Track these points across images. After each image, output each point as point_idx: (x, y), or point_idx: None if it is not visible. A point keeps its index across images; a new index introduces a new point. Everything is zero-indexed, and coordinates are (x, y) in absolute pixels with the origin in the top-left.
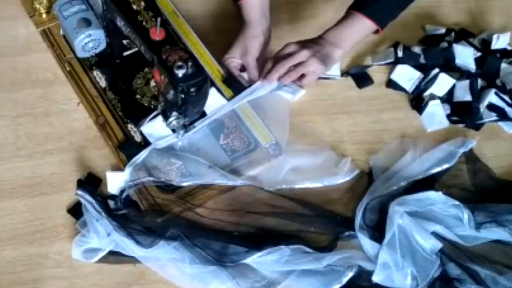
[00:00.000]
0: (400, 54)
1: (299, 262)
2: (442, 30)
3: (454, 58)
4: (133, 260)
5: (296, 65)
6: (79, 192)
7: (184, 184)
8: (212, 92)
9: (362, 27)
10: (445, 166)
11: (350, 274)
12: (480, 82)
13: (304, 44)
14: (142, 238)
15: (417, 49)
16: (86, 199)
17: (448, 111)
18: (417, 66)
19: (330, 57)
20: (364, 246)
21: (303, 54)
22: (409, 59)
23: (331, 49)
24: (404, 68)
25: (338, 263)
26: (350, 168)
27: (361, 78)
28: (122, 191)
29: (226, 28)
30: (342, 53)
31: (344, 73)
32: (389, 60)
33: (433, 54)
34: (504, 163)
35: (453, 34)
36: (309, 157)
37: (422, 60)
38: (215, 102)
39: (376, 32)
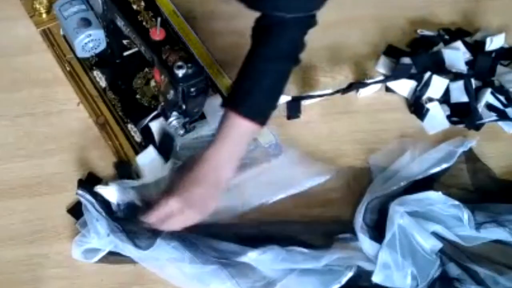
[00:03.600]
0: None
1: (297, 260)
2: (433, 34)
3: (443, 63)
4: (133, 260)
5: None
6: (80, 191)
7: None
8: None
9: (243, 132)
10: (444, 165)
11: (349, 274)
12: (475, 82)
13: (174, 194)
14: (140, 239)
15: (406, 60)
16: (87, 199)
17: (448, 112)
18: (410, 75)
19: (214, 191)
20: (364, 246)
21: (172, 206)
22: (401, 74)
23: (216, 178)
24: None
25: (337, 262)
26: (323, 168)
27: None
28: (118, 205)
29: (226, 28)
30: (230, 174)
31: (335, 92)
32: (381, 78)
33: (423, 60)
34: (504, 163)
35: (445, 37)
36: (274, 169)
37: (413, 70)
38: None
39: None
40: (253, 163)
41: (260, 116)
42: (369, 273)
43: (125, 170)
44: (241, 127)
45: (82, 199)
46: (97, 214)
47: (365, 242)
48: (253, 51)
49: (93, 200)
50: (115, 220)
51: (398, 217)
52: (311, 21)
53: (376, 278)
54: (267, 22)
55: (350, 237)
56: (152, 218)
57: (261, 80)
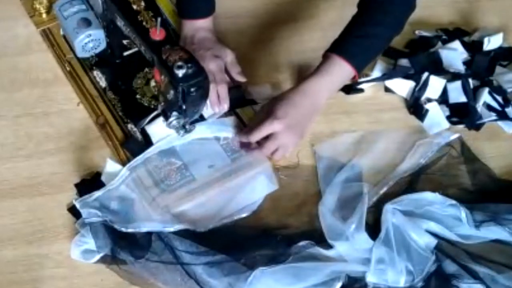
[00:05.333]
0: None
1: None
2: (431, 34)
3: (441, 63)
4: (131, 262)
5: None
6: (77, 200)
7: (128, 230)
8: None
9: (343, 73)
10: (422, 161)
11: (338, 285)
12: (473, 81)
13: (276, 116)
14: (134, 248)
15: (404, 62)
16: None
17: (447, 113)
18: (408, 75)
19: (310, 115)
20: (356, 245)
21: (275, 127)
22: (397, 74)
23: (311, 105)
24: (396, 80)
25: (324, 278)
26: (270, 181)
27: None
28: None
29: (226, 28)
30: (324, 101)
31: None
32: (378, 76)
33: (420, 60)
34: (504, 163)
35: (442, 37)
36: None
37: (412, 71)
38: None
39: (353, 78)
40: (253, 163)
41: (358, 64)
42: (358, 279)
43: (134, 144)
44: (341, 68)
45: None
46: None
47: (359, 241)
48: (366, 16)
49: (91, 211)
50: (110, 229)
51: (391, 215)
52: None
53: (371, 278)
54: None
55: (304, 245)
56: (254, 138)
57: (369, 39)
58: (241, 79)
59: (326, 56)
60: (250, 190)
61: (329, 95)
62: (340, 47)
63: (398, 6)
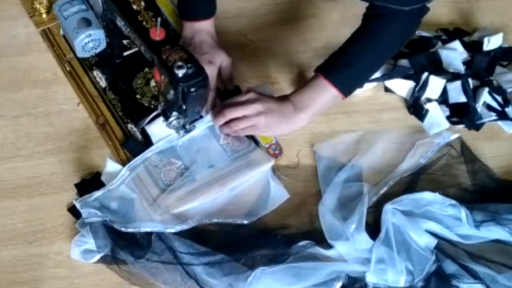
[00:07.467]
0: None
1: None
2: (431, 34)
3: (441, 63)
4: (131, 262)
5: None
6: (77, 200)
7: (128, 230)
8: None
9: (328, 94)
10: (422, 161)
11: (339, 285)
12: (473, 81)
13: (261, 98)
14: (132, 252)
15: (404, 62)
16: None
17: (447, 113)
18: (408, 76)
19: (289, 120)
20: (357, 245)
21: (255, 107)
22: (397, 74)
23: (293, 113)
24: (396, 80)
25: (324, 278)
26: (281, 191)
27: None
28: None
29: (226, 28)
30: (307, 118)
31: None
32: (378, 76)
33: (420, 60)
34: (504, 163)
35: (442, 37)
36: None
37: (411, 71)
38: None
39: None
40: (253, 163)
41: (347, 89)
42: (358, 279)
43: (133, 144)
44: (327, 90)
45: (81, 211)
46: (93, 222)
47: (360, 241)
48: (365, 34)
49: (91, 211)
50: (111, 229)
51: (391, 215)
52: (424, 10)
53: (371, 278)
54: (383, 11)
55: (304, 245)
56: (232, 112)
57: (361, 61)
58: (229, 86)
59: (316, 75)
60: (261, 197)
61: (314, 111)
62: (329, 68)
63: (404, 19)
